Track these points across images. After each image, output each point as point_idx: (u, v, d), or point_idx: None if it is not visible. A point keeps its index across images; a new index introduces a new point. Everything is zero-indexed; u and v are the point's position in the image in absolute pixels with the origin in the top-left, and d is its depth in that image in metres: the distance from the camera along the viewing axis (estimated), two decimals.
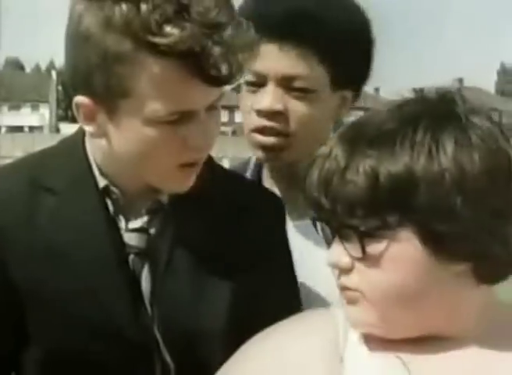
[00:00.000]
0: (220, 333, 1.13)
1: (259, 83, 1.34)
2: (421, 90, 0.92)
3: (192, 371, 1.12)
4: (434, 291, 0.87)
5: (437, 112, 0.87)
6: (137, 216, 1.14)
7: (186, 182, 1.11)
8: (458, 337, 0.90)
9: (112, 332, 1.10)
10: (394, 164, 0.84)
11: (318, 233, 1.33)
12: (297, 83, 1.33)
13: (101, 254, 1.11)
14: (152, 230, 1.14)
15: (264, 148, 1.36)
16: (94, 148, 1.15)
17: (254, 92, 1.35)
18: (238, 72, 1.04)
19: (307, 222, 1.33)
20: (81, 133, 1.17)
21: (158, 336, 1.12)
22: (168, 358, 1.12)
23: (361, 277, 0.87)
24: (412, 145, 0.84)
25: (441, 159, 0.84)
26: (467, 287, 0.89)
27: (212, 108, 1.07)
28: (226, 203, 1.17)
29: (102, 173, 1.14)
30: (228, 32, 1.01)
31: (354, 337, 0.92)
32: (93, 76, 1.04)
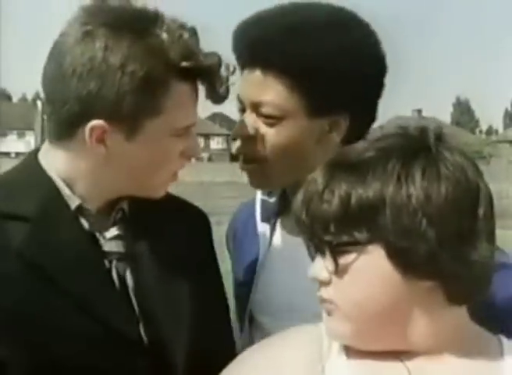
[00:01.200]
0: (186, 326, 1.18)
1: (242, 109, 1.32)
2: (406, 127, 0.94)
3: (171, 362, 1.14)
4: (403, 306, 0.89)
5: (411, 144, 0.90)
6: (107, 226, 1.16)
7: (167, 187, 1.20)
8: (433, 354, 0.91)
9: (107, 336, 1.09)
10: (365, 189, 0.87)
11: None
12: (264, 110, 1.27)
13: (88, 267, 1.11)
14: (124, 236, 1.17)
15: (248, 174, 1.33)
16: (66, 170, 1.13)
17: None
18: (227, 95, 1.17)
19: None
20: (34, 159, 1.16)
21: (143, 331, 1.13)
22: (151, 352, 1.13)
23: (336, 290, 0.90)
24: (384, 173, 0.87)
25: (409, 186, 0.86)
26: (438, 305, 0.90)
27: None
28: (167, 215, 1.23)
29: (74, 193, 1.14)
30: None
31: (336, 348, 0.94)
32: (123, 101, 1.06)
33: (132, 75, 1.05)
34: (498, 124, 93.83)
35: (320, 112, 1.27)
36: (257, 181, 1.34)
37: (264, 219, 1.41)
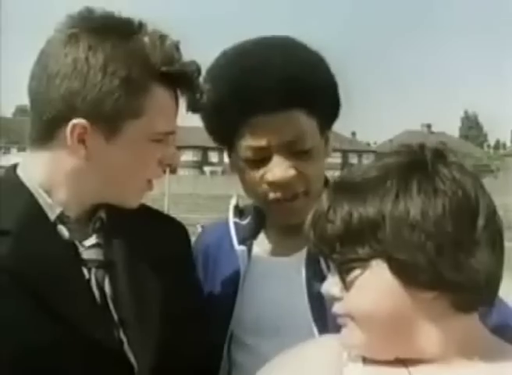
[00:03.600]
0: (156, 334, 1.16)
1: (262, 157, 1.28)
2: (408, 145, 0.96)
3: (154, 368, 1.14)
4: (409, 315, 0.90)
5: (408, 162, 0.92)
6: (86, 235, 1.16)
7: (141, 197, 1.19)
8: (443, 361, 0.92)
9: (88, 345, 1.08)
10: (366, 208, 0.90)
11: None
12: (300, 146, 1.27)
13: (68, 277, 1.11)
14: (102, 245, 1.17)
15: (285, 214, 1.32)
16: (46, 177, 1.13)
17: (257, 167, 1.29)
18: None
19: (299, 255, 1.34)
20: (13, 173, 1.16)
21: (124, 338, 1.13)
22: (132, 359, 1.13)
23: (347, 304, 0.93)
24: (383, 191, 0.90)
25: (406, 202, 0.89)
26: (444, 314, 0.91)
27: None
28: (146, 225, 1.23)
29: (54, 201, 1.13)
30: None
31: (354, 356, 0.97)
32: (103, 101, 1.06)
33: (112, 76, 1.06)
34: (506, 138, 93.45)
35: (324, 130, 1.35)
36: (298, 218, 1.24)
37: (241, 242, 1.41)
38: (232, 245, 1.42)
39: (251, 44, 1.35)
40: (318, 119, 1.31)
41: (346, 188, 0.93)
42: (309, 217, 0.95)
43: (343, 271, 0.92)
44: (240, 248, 1.40)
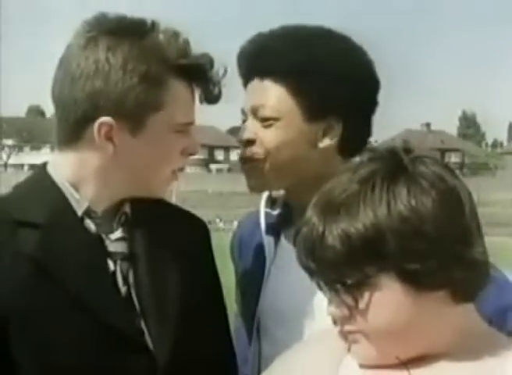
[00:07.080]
0: (172, 327, 1.16)
1: (245, 118, 1.34)
2: (373, 149, 0.95)
3: (172, 358, 1.14)
4: (420, 318, 0.89)
5: (388, 168, 0.90)
6: (112, 228, 1.17)
7: (167, 188, 1.21)
8: (445, 353, 0.91)
9: (108, 332, 1.09)
10: (361, 223, 0.87)
11: None
12: (262, 112, 1.29)
13: (94, 268, 1.12)
14: (127, 238, 1.18)
15: (246, 175, 1.35)
16: (75, 174, 1.15)
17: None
18: (220, 95, 1.19)
19: None
20: (44, 170, 1.18)
21: (144, 328, 1.13)
22: (151, 347, 1.13)
23: (359, 321, 0.90)
24: (373, 203, 0.87)
25: (399, 209, 0.86)
26: (447, 308, 0.90)
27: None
28: (167, 220, 1.24)
29: (82, 196, 1.14)
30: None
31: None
32: (126, 98, 1.09)
33: (132, 73, 1.09)
34: (503, 137, 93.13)
35: (315, 116, 1.29)
36: (254, 182, 1.34)
37: (269, 232, 1.40)
38: (261, 235, 1.41)
39: (303, 26, 1.36)
40: (297, 98, 1.28)
41: (335, 207, 0.89)
42: (300, 242, 0.92)
43: (353, 290, 0.89)
44: (266, 237, 1.40)
